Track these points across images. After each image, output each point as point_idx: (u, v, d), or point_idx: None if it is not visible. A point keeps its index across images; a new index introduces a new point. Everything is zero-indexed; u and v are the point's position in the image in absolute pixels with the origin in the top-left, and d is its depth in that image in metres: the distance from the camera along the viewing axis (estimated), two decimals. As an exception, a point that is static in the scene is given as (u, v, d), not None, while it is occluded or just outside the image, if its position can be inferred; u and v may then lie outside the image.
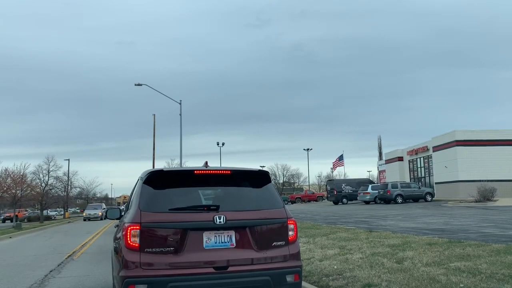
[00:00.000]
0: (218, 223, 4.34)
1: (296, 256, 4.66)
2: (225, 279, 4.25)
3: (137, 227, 4.26)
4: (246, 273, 4.31)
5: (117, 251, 4.70)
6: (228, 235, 4.42)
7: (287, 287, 4.46)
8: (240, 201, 4.74)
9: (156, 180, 4.65)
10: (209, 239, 4.36)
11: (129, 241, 4.26)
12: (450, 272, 6.19)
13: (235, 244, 4.42)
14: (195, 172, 4.83)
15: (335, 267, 7.30)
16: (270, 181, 5.02)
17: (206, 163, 5.19)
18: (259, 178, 4.96)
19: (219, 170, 5.01)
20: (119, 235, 4.82)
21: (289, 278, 4.45)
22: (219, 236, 4.40)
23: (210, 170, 4.88)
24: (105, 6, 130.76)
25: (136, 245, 4.23)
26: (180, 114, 31.20)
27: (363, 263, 7.40)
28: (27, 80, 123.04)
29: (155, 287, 4.11)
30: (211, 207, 4.52)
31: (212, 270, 4.25)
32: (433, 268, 6.55)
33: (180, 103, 31.13)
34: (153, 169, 4.96)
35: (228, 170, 4.96)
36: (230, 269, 4.29)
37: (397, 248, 8.73)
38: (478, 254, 7.40)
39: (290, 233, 4.67)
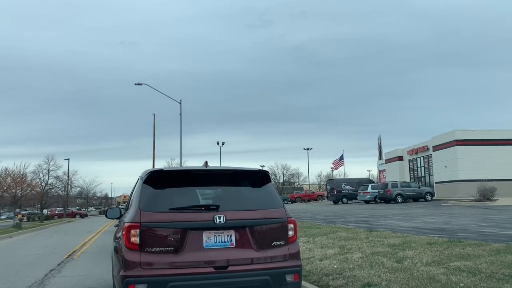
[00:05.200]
0: (218, 222, 4.35)
1: (296, 255, 4.65)
2: (225, 278, 4.25)
3: (137, 227, 4.26)
4: (245, 273, 4.31)
5: (117, 250, 4.70)
6: (228, 235, 4.42)
7: (287, 287, 4.45)
8: (240, 201, 4.73)
9: (156, 180, 4.65)
10: (209, 238, 4.36)
11: (129, 241, 4.26)
12: (450, 271, 6.18)
13: (235, 244, 4.42)
14: (195, 172, 4.87)
15: (335, 266, 7.30)
16: (270, 181, 5.01)
17: (206, 162, 5.19)
18: (259, 177, 4.95)
19: (219, 170, 5.08)
20: (119, 234, 4.83)
21: (289, 278, 4.45)
22: (219, 235, 4.39)
23: (210, 170, 4.91)
24: (107, 6, 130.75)
25: (136, 244, 4.23)
26: (180, 114, 31.18)
27: (363, 262, 7.39)
28: (28, 80, 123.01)
29: (155, 286, 4.10)
30: (211, 207, 4.52)
31: (212, 269, 4.25)
32: (433, 267, 6.54)
33: (180, 103, 31.09)
34: (153, 169, 4.94)
35: (228, 170, 5.00)
36: (230, 268, 4.29)
37: (397, 247, 8.72)
38: (478, 254, 7.38)
39: (290, 232, 4.67)
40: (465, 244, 8.57)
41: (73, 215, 60.78)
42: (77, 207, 77.48)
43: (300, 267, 4.63)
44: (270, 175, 5.12)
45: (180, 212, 4.40)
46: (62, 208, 62.33)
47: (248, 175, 5.01)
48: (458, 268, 6.36)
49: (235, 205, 4.63)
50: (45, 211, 54.96)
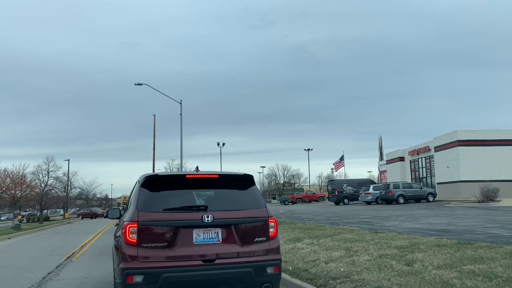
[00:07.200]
0: (206, 221, 4.84)
1: (276, 250, 5.15)
2: (213, 270, 4.75)
3: (135, 225, 4.75)
4: (231, 265, 4.80)
5: (117, 247, 5.15)
6: (215, 232, 4.92)
7: (267, 278, 4.91)
8: (227, 202, 5.23)
9: (152, 183, 5.16)
10: (198, 235, 4.86)
11: (128, 237, 4.74)
12: (464, 275, 5.92)
13: (221, 240, 4.92)
14: (187, 176, 5.42)
15: (342, 269, 7.05)
16: (254, 184, 5.52)
17: (197, 168, 5.59)
18: (244, 181, 5.45)
19: (208, 174, 5.49)
20: (119, 233, 5.29)
21: (269, 270, 4.93)
22: (207, 233, 4.90)
23: (200, 174, 5.39)
24: (108, 8, 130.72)
25: (134, 241, 4.72)
26: (181, 114, 30.85)
27: (371, 265, 7.15)
28: (29, 80, 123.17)
29: (150, 277, 4.57)
30: (200, 207, 5.01)
31: (201, 262, 4.75)
32: (446, 271, 6.29)
33: (180, 103, 30.79)
34: (149, 174, 5.46)
35: (216, 175, 5.50)
36: (217, 261, 4.79)
37: (405, 249, 8.46)
38: (491, 257, 7.10)
39: (271, 230, 5.17)
40: (476, 246, 8.30)
41: (91, 215, 59.75)
42: (77, 208, 77.20)
43: (279, 261, 5.11)
44: (254, 179, 5.60)
45: (173, 212, 4.90)
46: (86, 208, 62.47)
47: (235, 179, 5.53)
48: (472, 271, 6.10)
49: (222, 205, 5.13)
50: (68, 211, 54.76)
